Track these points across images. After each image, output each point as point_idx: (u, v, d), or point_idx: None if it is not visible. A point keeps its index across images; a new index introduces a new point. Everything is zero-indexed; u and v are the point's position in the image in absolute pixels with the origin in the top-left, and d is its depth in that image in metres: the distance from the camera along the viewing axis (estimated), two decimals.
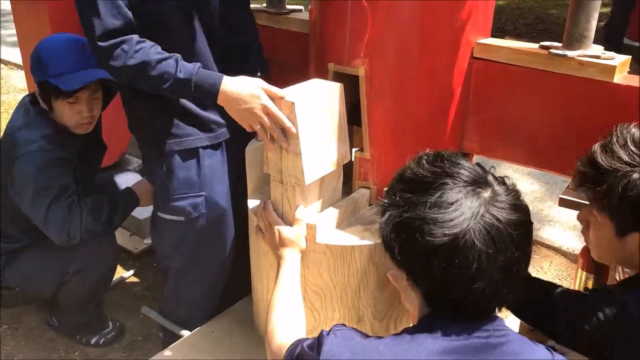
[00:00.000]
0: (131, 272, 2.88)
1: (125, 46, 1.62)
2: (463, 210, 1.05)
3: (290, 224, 1.69)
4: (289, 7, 2.27)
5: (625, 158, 1.26)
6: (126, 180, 2.60)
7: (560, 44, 1.67)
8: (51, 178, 2.06)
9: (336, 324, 1.23)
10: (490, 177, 1.12)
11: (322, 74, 1.80)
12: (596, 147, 1.33)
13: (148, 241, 3.01)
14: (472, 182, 1.09)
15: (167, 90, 1.66)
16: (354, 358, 1.11)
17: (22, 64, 3.82)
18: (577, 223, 1.48)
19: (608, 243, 1.35)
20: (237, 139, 1.97)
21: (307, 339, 1.26)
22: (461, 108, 1.82)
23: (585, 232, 1.44)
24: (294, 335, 1.43)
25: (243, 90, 1.61)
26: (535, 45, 1.72)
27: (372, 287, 1.72)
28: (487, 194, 1.08)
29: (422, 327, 1.14)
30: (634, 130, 1.30)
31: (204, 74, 1.65)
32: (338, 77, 1.80)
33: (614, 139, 1.30)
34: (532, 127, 1.74)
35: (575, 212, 1.48)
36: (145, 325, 2.57)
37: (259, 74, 1.90)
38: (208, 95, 1.65)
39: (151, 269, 2.92)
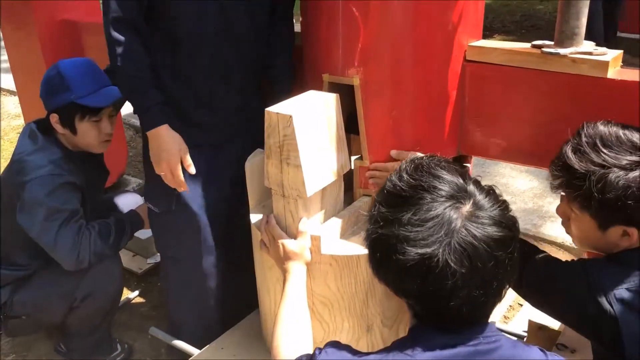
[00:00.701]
0: (136, 292, 2.87)
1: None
2: (436, 229, 1.01)
3: (294, 237, 1.69)
4: None
5: (598, 160, 1.30)
6: (127, 201, 2.61)
7: (551, 43, 1.69)
8: (61, 201, 2.07)
9: (329, 341, 1.21)
10: (471, 188, 1.07)
11: (317, 85, 1.81)
12: (567, 150, 1.36)
13: (152, 261, 3.01)
14: (450, 197, 1.05)
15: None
16: None
17: (14, 89, 3.83)
18: None
19: (590, 235, 1.40)
20: (229, 144, 2.04)
21: (303, 356, 1.25)
22: (457, 111, 1.83)
23: (566, 224, 1.49)
24: (298, 351, 1.42)
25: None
26: (527, 45, 1.73)
27: (379, 295, 1.72)
28: (467, 207, 1.04)
29: (411, 338, 1.13)
30: (601, 128, 1.34)
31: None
32: (333, 87, 1.81)
33: (583, 141, 1.33)
34: (529, 126, 1.75)
35: None
36: (154, 346, 2.56)
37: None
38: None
39: (156, 288, 2.92)
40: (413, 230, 1.02)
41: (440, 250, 1.00)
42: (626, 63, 1.70)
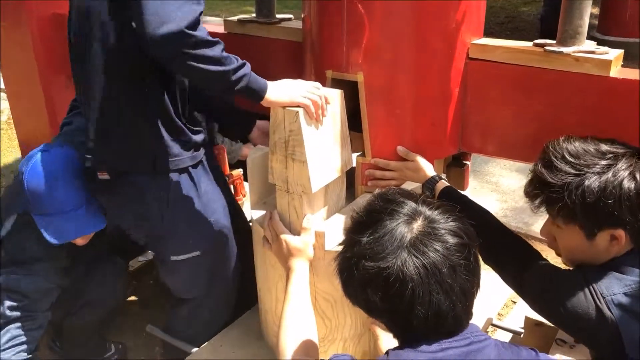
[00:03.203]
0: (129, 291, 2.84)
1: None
2: (390, 242, 1.09)
3: (298, 234, 1.69)
4: (278, 16, 2.27)
5: (570, 170, 1.36)
6: None
7: (554, 41, 1.70)
8: None
9: (334, 354, 1.23)
10: (422, 207, 1.14)
11: (320, 82, 1.80)
12: (539, 168, 1.42)
13: (143, 258, 2.97)
14: (404, 215, 1.13)
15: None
16: None
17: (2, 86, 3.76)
18: None
19: (579, 248, 1.42)
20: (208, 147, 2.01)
21: None
22: (459, 108, 1.84)
23: (552, 245, 1.52)
24: (304, 351, 1.44)
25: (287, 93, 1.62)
26: (529, 44, 1.75)
27: None
28: (418, 222, 1.11)
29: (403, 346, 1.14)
30: (564, 144, 1.40)
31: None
32: (336, 83, 1.81)
33: (552, 157, 1.39)
34: (531, 123, 1.77)
35: None
36: (148, 345, 2.53)
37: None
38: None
39: (148, 286, 2.89)
40: (370, 247, 1.11)
41: (394, 261, 1.07)
42: None
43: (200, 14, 1.51)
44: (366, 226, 1.14)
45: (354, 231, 1.17)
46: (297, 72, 2.05)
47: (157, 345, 2.52)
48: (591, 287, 1.35)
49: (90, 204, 1.94)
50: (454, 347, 1.09)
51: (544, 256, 1.55)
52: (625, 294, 1.32)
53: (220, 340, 2.08)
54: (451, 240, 1.09)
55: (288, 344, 1.46)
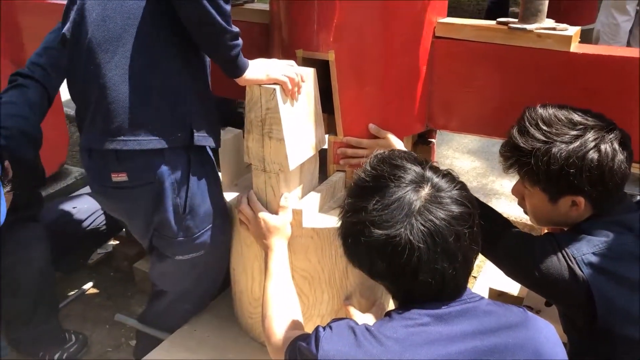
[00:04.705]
0: (90, 283, 2.76)
1: None
2: (398, 211, 1.09)
3: (275, 212, 1.70)
4: None
5: (541, 137, 1.44)
6: (84, 206, 2.49)
7: (516, 20, 1.77)
8: None
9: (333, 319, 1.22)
10: (429, 173, 1.15)
11: None
12: (513, 132, 1.50)
13: (102, 250, 2.90)
14: (410, 182, 1.13)
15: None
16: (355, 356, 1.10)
17: None
18: None
19: (543, 209, 1.53)
20: None
21: (301, 336, 1.25)
22: (426, 86, 1.89)
23: (521, 203, 1.62)
24: (291, 327, 1.45)
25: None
26: (492, 22, 1.82)
27: None
28: (426, 190, 1.12)
29: (390, 315, 1.16)
30: (540, 111, 1.48)
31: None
32: (306, 62, 1.82)
33: (527, 123, 1.47)
34: (496, 99, 1.84)
35: None
36: (113, 336, 2.48)
37: None
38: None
39: (109, 278, 2.82)
40: (377, 214, 1.11)
41: (402, 230, 1.08)
42: None
43: None
44: (372, 191, 1.14)
45: (358, 196, 1.16)
46: (263, 54, 2.04)
47: (123, 337, 2.48)
48: (563, 250, 1.43)
49: None
50: (452, 306, 1.12)
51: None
52: (594, 253, 1.41)
53: (193, 324, 2.06)
54: (457, 209, 1.10)
55: (275, 322, 1.47)
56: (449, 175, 1.17)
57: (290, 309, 1.53)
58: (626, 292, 1.38)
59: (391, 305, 1.86)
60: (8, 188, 1.88)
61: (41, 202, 2.37)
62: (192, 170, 1.69)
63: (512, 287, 2.23)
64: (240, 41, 1.56)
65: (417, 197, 1.10)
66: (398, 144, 1.82)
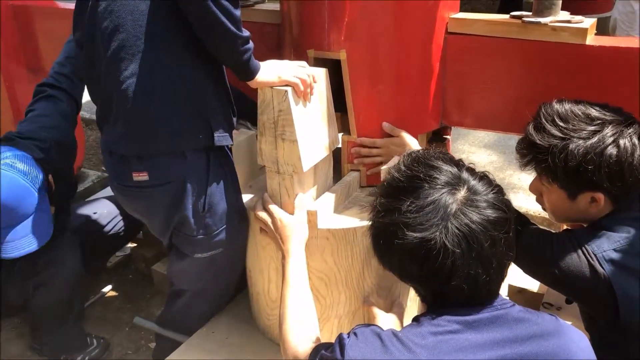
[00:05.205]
0: (109, 286, 2.79)
1: None
2: (433, 213, 1.07)
3: (290, 214, 1.69)
4: None
5: (557, 133, 1.41)
6: (104, 211, 2.51)
7: (529, 13, 1.75)
8: None
9: (357, 326, 1.19)
10: (466, 175, 1.12)
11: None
12: (529, 129, 1.47)
13: (120, 253, 2.92)
14: (446, 184, 1.10)
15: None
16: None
17: None
18: None
19: (562, 206, 1.50)
20: None
21: (323, 345, 1.24)
22: (440, 83, 1.87)
23: (540, 200, 1.59)
24: (308, 334, 1.43)
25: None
26: (506, 16, 1.79)
27: (375, 266, 1.75)
28: (462, 193, 1.09)
29: (419, 320, 1.14)
30: (556, 106, 1.45)
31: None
32: (317, 62, 1.81)
33: (543, 119, 1.44)
34: (510, 94, 1.81)
35: None
36: (133, 339, 2.50)
37: None
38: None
39: (128, 280, 2.85)
40: (412, 216, 1.08)
41: (438, 233, 1.06)
42: None
43: None
44: (406, 192, 1.11)
45: (391, 196, 1.13)
46: (274, 54, 2.04)
47: (143, 339, 2.50)
48: (583, 247, 1.40)
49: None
50: (483, 313, 1.09)
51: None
52: (615, 249, 1.38)
53: (212, 327, 2.07)
54: (493, 214, 1.07)
55: (291, 329, 1.46)
56: (485, 178, 1.14)
57: (307, 316, 1.51)
58: None
59: (410, 306, 1.84)
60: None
61: (69, 211, 2.39)
62: (212, 170, 1.71)
63: (532, 283, 2.20)
64: (251, 45, 1.56)
65: (453, 200, 1.08)
66: (412, 142, 1.80)
